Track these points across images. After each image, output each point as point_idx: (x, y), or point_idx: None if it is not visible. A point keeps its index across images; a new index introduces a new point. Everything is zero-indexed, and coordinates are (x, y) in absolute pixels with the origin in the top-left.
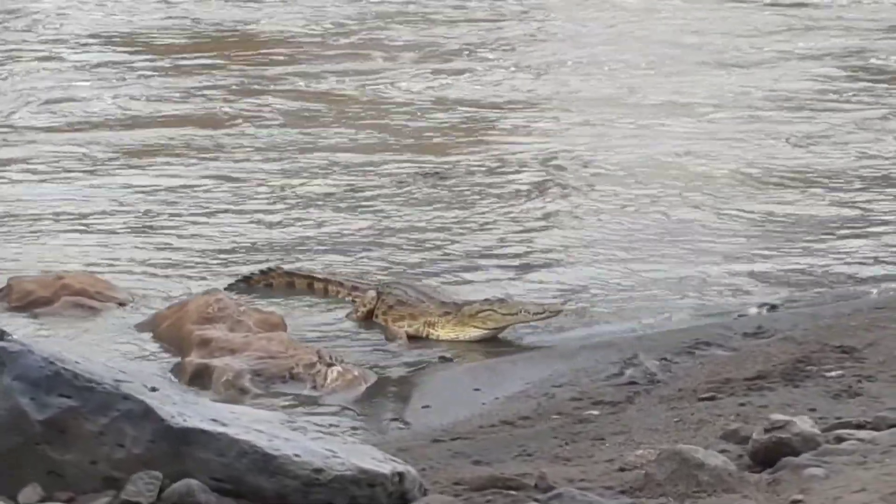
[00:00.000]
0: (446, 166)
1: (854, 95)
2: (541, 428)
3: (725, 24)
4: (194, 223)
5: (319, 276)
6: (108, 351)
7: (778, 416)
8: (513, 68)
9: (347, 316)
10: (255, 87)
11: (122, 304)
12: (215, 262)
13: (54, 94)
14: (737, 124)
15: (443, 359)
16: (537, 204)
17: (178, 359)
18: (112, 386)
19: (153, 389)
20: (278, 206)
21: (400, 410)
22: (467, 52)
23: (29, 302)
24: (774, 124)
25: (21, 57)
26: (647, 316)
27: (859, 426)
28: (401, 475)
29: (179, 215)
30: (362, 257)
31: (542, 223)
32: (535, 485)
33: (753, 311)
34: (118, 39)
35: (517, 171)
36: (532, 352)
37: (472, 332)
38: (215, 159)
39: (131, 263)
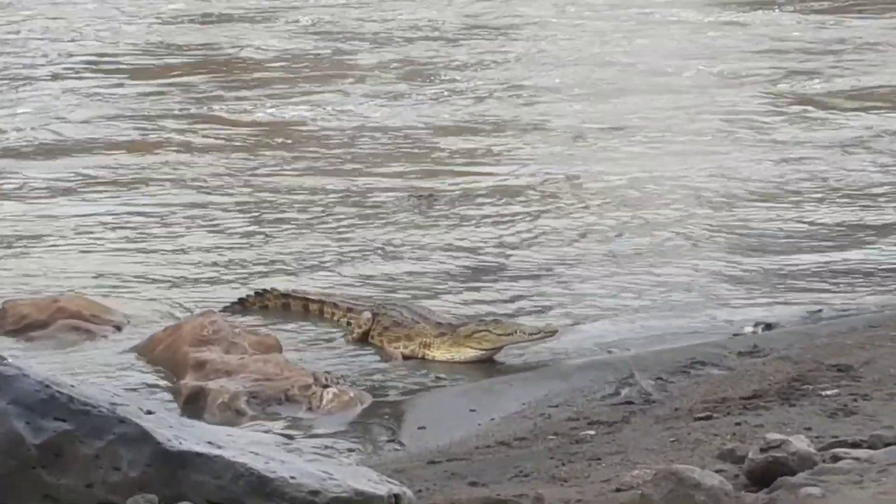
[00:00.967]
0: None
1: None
2: (537, 448)
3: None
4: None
5: (314, 298)
6: (103, 374)
7: (774, 436)
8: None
9: (343, 337)
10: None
11: (117, 327)
12: (208, 283)
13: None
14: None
15: (438, 379)
16: (522, 223)
17: (174, 381)
18: (108, 409)
19: (149, 412)
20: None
21: (396, 432)
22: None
23: (24, 325)
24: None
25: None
26: (641, 335)
27: (855, 445)
28: (397, 497)
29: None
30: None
31: (528, 243)
32: None
33: (749, 329)
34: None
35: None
36: (528, 372)
37: (468, 353)
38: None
39: (126, 283)
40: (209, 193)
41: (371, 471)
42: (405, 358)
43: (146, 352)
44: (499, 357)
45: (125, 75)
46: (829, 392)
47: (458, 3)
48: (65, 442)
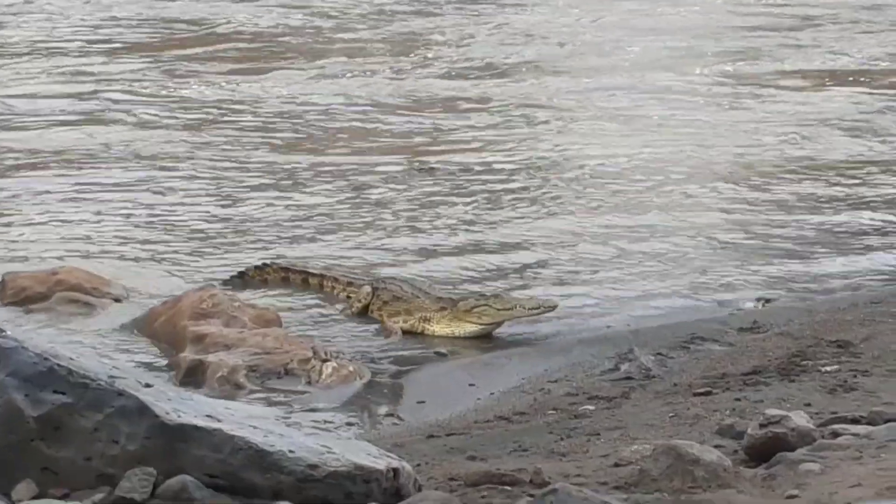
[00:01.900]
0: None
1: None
2: (536, 423)
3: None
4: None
5: (314, 272)
6: (102, 347)
7: (773, 411)
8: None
9: (342, 311)
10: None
11: (116, 300)
12: (207, 256)
13: None
14: None
15: (438, 354)
16: (525, 200)
17: (173, 355)
18: (107, 382)
19: (147, 385)
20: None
21: (395, 406)
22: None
23: (24, 297)
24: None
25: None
26: (642, 310)
27: (855, 421)
28: (395, 471)
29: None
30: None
31: (532, 218)
32: (531, 480)
33: (749, 305)
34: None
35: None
36: (527, 347)
37: (468, 328)
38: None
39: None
40: (212, 167)
41: (370, 445)
42: (405, 332)
43: (145, 325)
44: (498, 332)
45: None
46: (829, 368)
47: None
48: (64, 415)
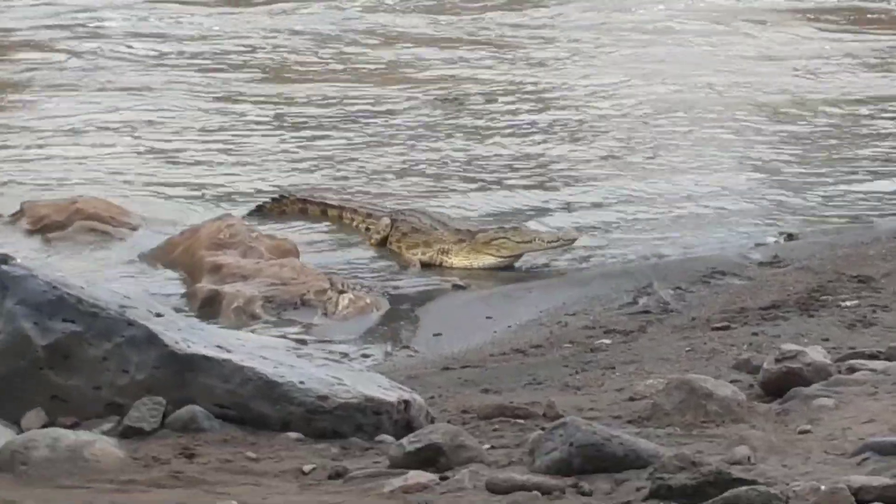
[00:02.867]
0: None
1: None
2: (552, 357)
3: None
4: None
5: (333, 203)
6: (118, 275)
7: (790, 346)
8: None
9: (361, 242)
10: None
11: (134, 230)
12: (226, 189)
13: None
14: None
15: (456, 286)
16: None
17: (190, 285)
18: (116, 311)
19: (158, 315)
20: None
21: (411, 338)
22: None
23: (43, 226)
24: None
25: None
26: (663, 245)
27: (872, 356)
28: (407, 403)
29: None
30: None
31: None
32: (544, 414)
33: (771, 240)
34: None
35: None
36: (546, 280)
37: (486, 260)
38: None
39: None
40: (235, 102)
41: (382, 377)
42: (423, 264)
43: (163, 255)
44: (517, 264)
45: None
46: (848, 303)
47: None
48: (73, 343)
